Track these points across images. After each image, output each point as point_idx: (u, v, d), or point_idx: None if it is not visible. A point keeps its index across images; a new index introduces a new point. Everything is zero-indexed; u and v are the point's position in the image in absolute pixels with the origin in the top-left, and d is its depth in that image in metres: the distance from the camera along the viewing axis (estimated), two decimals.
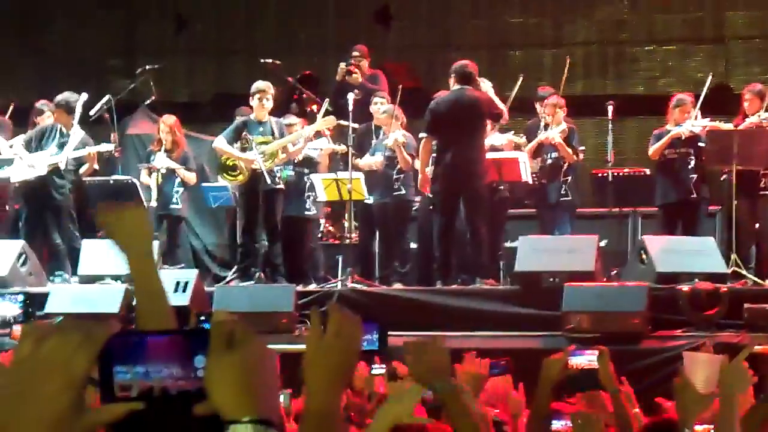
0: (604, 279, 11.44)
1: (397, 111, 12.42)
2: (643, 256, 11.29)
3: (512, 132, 12.97)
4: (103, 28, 17.36)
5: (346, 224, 12.71)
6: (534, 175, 12.45)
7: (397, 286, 11.99)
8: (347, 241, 12.54)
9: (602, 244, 11.72)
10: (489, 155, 11.95)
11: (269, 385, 1.88)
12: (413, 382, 3.33)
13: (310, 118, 13.17)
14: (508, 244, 12.41)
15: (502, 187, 12.26)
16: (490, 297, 11.26)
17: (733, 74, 15.69)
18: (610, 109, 12.85)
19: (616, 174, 12.39)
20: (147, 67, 14.59)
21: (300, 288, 11.56)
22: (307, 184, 12.64)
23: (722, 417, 3.75)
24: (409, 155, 12.21)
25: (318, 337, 2.17)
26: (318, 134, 12.69)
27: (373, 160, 12.46)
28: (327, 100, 12.83)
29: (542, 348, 9.75)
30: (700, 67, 15.50)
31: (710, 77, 12.51)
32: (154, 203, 12.76)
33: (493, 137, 12.34)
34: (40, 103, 13.38)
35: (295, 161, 12.58)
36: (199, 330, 1.89)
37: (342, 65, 13.56)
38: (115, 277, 11.84)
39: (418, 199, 12.67)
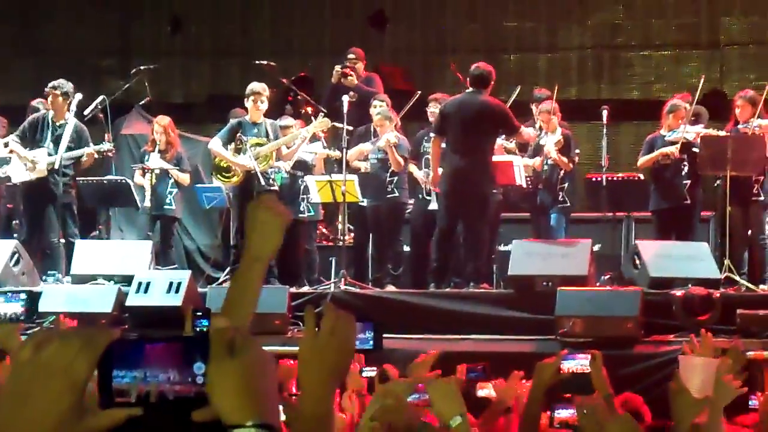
0: (597, 283, 11.45)
1: (391, 113, 12.43)
2: (637, 261, 11.30)
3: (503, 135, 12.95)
4: (98, 29, 17.35)
5: (340, 226, 12.70)
6: (528, 179, 12.44)
7: (390, 288, 11.99)
8: (340, 243, 12.54)
9: (596, 248, 11.73)
10: None
11: (270, 391, 1.88)
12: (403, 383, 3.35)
13: (305, 120, 13.19)
14: (501, 248, 12.41)
15: (495, 191, 12.25)
16: (483, 300, 11.25)
17: (727, 80, 15.71)
18: (605, 113, 12.85)
19: (610, 179, 12.39)
20: (142, 67, 14.58)
21: (293, 290, 11.55)
22: (302, 187, 12.65)
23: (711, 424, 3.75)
24: (401, 157, 12.20)
25: (312, 335, 2.17)
26: (313, 137, 12.70)
27: (365, 147, 12.46)
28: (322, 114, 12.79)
29: (535, 352, 9.74)
30: (694, 72, 15.52)
31: (702, 80, 12.49)
32: (147, 203, 12.76)
33: None
34: (36, 102, 13.36)
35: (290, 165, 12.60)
36: (198, 336, 1.89)
37: (337, 68, 13.55)
38: (108, 277, 11.83)
39: (411, 201, 12.67)
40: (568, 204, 12.45)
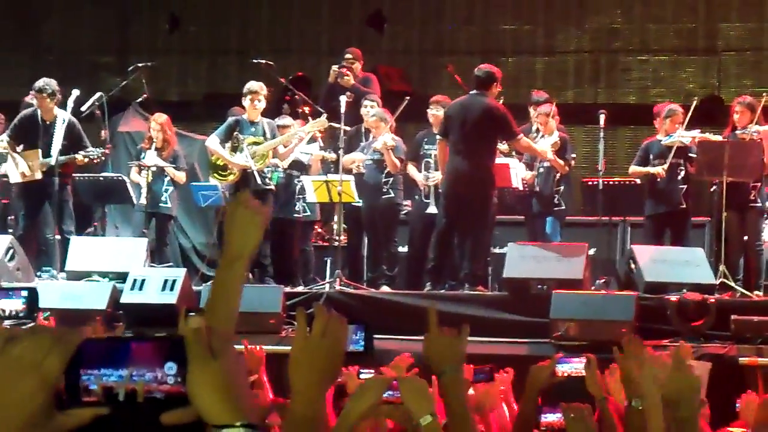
0: (592, 287, 11.44)
1: (386, 114, 12.42)
2: (632, 266, 11.29)
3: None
4: (96, 26, 17.36)
5: (335, 226, 12.70)
6: (524, 182, 12.44)
7: (385, 289, 11.98)
8: (336, 243, 12.53)
9: (591, 252, 11.73)
10: None
11: (247, 389, 1.88)
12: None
13: (303, 120, 13.18)
14: (496, 251, 12.39)
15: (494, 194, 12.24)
16: (478, 303, 11.23)
17: (724, 86, 15.72)
18: (602, 117, 12.83)
19: (606, 183, 12.39)
20: (139, 64, 14.58)
21: (288, 289, 11.54)
22: (298, 187, 12.64)
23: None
24: (397, 158, 12.20)
25: (303, 337, 2.17)
26: (311, 138, 12.70)
27: (357, 156, 12.47)
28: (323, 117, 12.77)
29: (529, 355, 9.74)
30: (692, 77, 15.53)
31: (698, 96, 12.53)
32: (143, 201, 12.75)
33: None
34: (29, 98, 13.33)
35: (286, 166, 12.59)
36: (169, 337, 1.87)
37: (334, 67, 13.54)
38: (103, 274, 11.82)
39: (407, 202, 12.65)
40: (563, 207, 12.45)
